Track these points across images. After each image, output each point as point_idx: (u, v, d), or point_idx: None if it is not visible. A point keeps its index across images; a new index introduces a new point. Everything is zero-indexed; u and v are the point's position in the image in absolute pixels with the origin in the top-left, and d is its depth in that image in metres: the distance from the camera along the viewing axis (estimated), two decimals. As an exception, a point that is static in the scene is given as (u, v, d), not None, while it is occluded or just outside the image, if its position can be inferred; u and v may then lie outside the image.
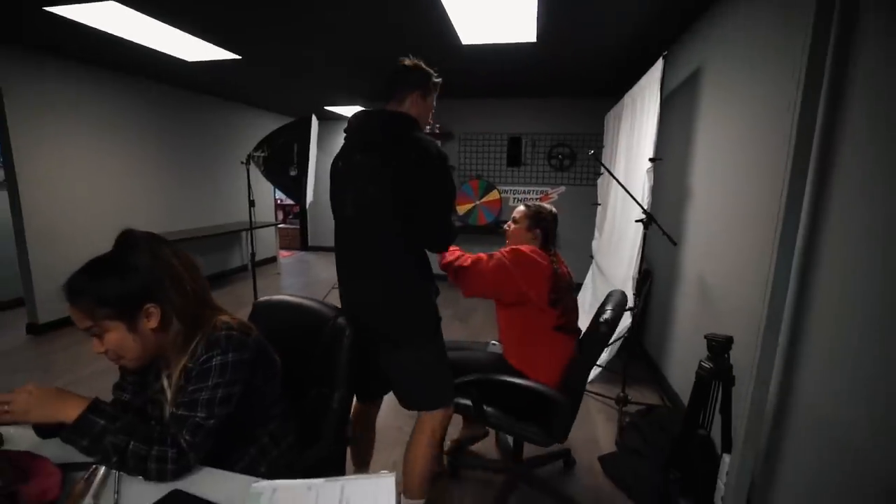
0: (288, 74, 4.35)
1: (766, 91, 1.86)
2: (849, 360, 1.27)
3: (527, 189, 5.54)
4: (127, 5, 2.65)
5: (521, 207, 1.95)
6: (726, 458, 1.82)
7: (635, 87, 3.23)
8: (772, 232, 1.60)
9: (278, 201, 9.21)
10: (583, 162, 5.34)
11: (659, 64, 2.59)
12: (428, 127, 1.76)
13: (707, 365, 1.85)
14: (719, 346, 1.84)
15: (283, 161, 2.81)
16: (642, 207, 2.56)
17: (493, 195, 5.52)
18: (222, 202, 5.79)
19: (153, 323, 0.93)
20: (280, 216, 9.17)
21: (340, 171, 1.54)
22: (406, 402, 1.54)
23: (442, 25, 2.93)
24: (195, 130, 5.29)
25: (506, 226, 1.98)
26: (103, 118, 4.18)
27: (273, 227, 6.57)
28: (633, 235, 2.86)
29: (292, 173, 2.78)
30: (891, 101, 1.17)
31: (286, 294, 1.46)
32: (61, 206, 3.87)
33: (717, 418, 1.86)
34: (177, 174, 5.07)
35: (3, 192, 3.78)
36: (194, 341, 0.93)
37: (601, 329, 1.67)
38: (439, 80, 1.59)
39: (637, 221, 2.64)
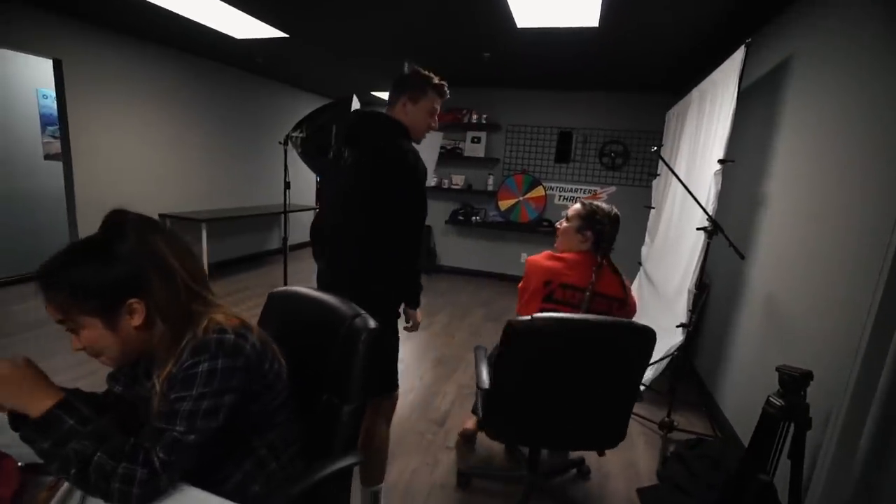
0: (336, 54, 4.27)
1: (873, 85, 1.56)
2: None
3: (574, 187, 5.25)
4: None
5: (577, 205, 1.80)
6: (793, 512, 1.57)
7: (706, 81, 2.91)
8: (872, 250, 1.33)
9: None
10: (637, 161, 4.99)
11: (739, 53, 2.28)
12: (435, 128, 1.69)
13: (777, 401, 1.59)
14: (794, 382, 1.57)
15: (320, 142, 2.70)
16: (708, 214, 2.28)
17: (538, 191, 5.27)
18: (264, 182, 5.83)
19: (136, 321, 0.81)
20: (322, 200, 9.27)
21: (331, 158, 1.72)
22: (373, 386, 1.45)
23: (496, 5, 2.72)
24: (242, 109, 5.34)
25: (558, 223, 1.86)
26: (154, 93, 4.25)
27: (312, 211, 6.59)
28: (692, 244, 2.58)
29: (329, 156, 2.67)
30: None
31: (305, 286, 1.33)
32: (111, 178, 3.97)
33: (784, 463, 1.61)
34: (221, 152, 5.13)
35: (57, 162, 3.91)
36: (183, 341, 0.81)
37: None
38: (440, 83, 1.60)
39: (699, 229, 2.37)
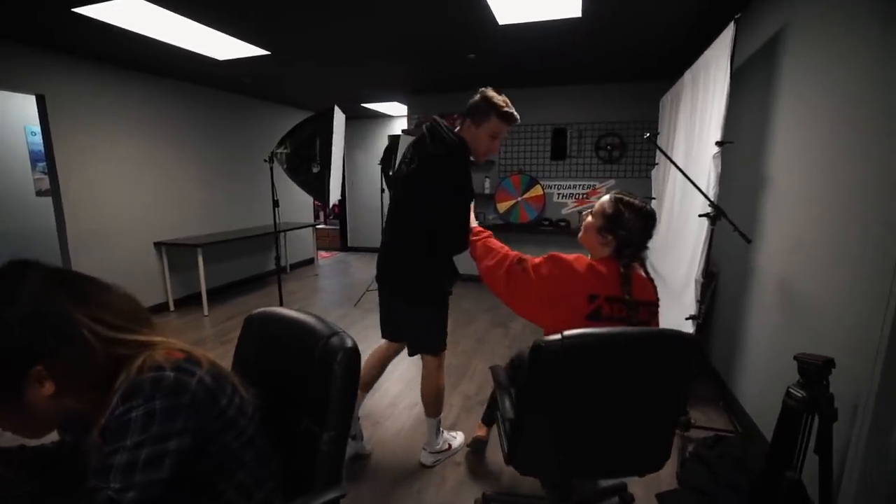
0: (321, 65, 4.23)
1: (875, 53, 1.46)
2: None
3: (573, 183, 5.16)
4: (151, 2, 2.58)
5: (606, 198, 1.51)
6: (825, 510, 1.45)
7: (697, 62, 2.82)
8: (888, 228, 1.23)
9: (336, 200, 9.27)
10: (634, 152, 4.89)
11: (729, 29, 2.19)
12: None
13: (798, 393, 1.48)
14: (815, 371, 1.47)
15: (304, 157, 2.65)
16: (708, 199, 2.18)
17: (536, 191, 5.18)
18: (259, 203, 5.78)
19: (48, 389, 0.71)
20: (321, 217, 9.24)
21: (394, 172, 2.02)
22: (410, 348, 2.03)
23: (475, 4, 2.66)
24: (232, 130, 5.31)
25: (584, 213, 1.72)
26: (141, 121, 4.23)
27: (311, 228, 6.55)
28: (695, 232, 2.48)
29: (315, 170, 2.62)
30: None
31: (283, 307, 1.25)
32: (103, 210, 3.94)
33: (811, 459, 1.50)
34: (214, 175, 5.10)
35: (47, 198, 3.89)
36: (114, 389, 0.72)
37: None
38: (507, 111, 1.72)
39: (701, 216, 2.27)
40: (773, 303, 2.13)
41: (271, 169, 2.81)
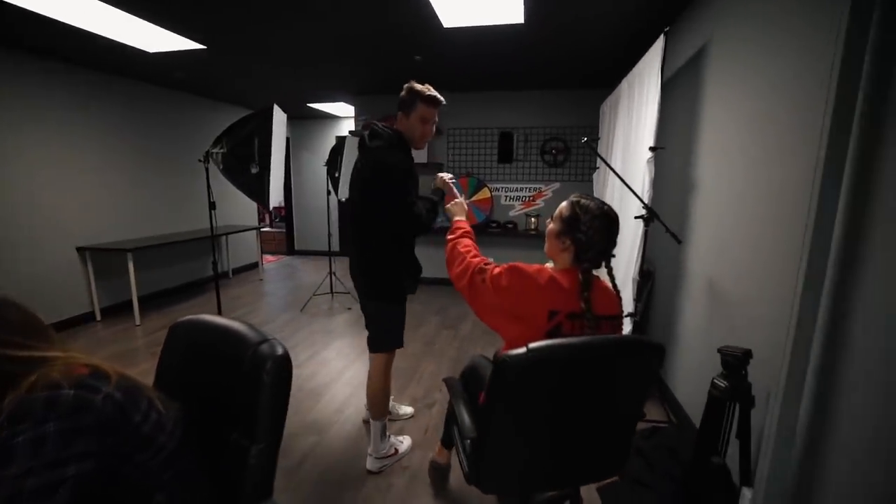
0: (261, 63, 4.08)
1: (789, 64, 1.59)
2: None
3: (520, 186, 5.27)
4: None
5: (565, 203, 1.40)
6: (746, 492, 1.56)
7: (633, 71, 2.96)
8: (798, 228, 1.34)
9: (277, 203, 8.93)
10: (577, 157, 5.07)
11: (659, 42, 2.32)
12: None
13: (721, 383, 1.59)
14: (735, 362, 1.58)
15: (242, 157, 2.53)
16: (642, 202, 2.29)
17: (484, 193, 5.25)
18: (195, 205, 5.47)
19: None
20: (266, 220, 8.91)
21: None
22: (370, 345, 2.05)
23: (420, 6, 2.66)
24: (165, 128, 5.00)
25: (547, 221, 1.50)
26: (64, 116, 3.89)
27: (255, 232, 6.29)
28: (632, 233, 2.60)
29: (253, 170, 2.51)
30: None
31: (219, 314, 1.18)
32: (20, 215, 3.58)
33: (734, 444, 1.61)
34: (146, 175, 4.78)
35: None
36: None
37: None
38: (430, 94, 1.84)
39: (637, 218, 2.38)
40: (702, 300, 2.27)
41: (206, 169, 2.66)
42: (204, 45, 3.33)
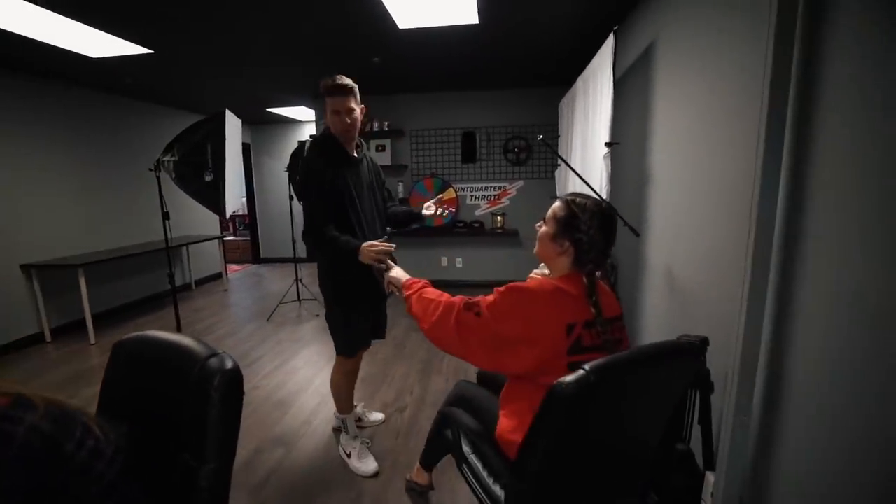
0: (213, 68, 3.95)
1: (731, 59, 1.65)
2: (846, 360, 1.05)
3: (484, 185, 5.30)
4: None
5: (558, 203, 1.30)
6: (710, 475, 1.60)
7: (587, 70, 3.02)
8: (743, 216, 1.39)
9: (235, 211, 8.66)
10: (540, 154, 5.14)
11: (609, 41, 2.38)
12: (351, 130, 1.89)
13: (681, 370, 1.63)
14: (694, 350, 1.62)
15: (195, 165, 2.44)
16: (599, 196, 2.33)
17: (449, 193, 5.25)
18: (152, 216, 5.23)
19: None
20: (230, 228, 8.65)
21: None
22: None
23: (373, 7, 2.63)
24: (113, 136, 4.76)
25: (536, 225, 1.36)
26: (2, 126, 3.66)
27: (217, 241, 6.09)
28: (593, 228, 2.64)
29: (207, 178, 2.42)
30: (874, 61, 0.96)
31: (161, 330, 1.13)
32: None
33: (697, 430, 1.65)
34: (95, 185, 4.54)
35: None
36: None
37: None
38: (327, 83, 1.78)
39: (596, 212, 2.42)
40: (662, 291, 2.33)
41: (158, 178, 2.55)
42: (151, 49, 3.19)
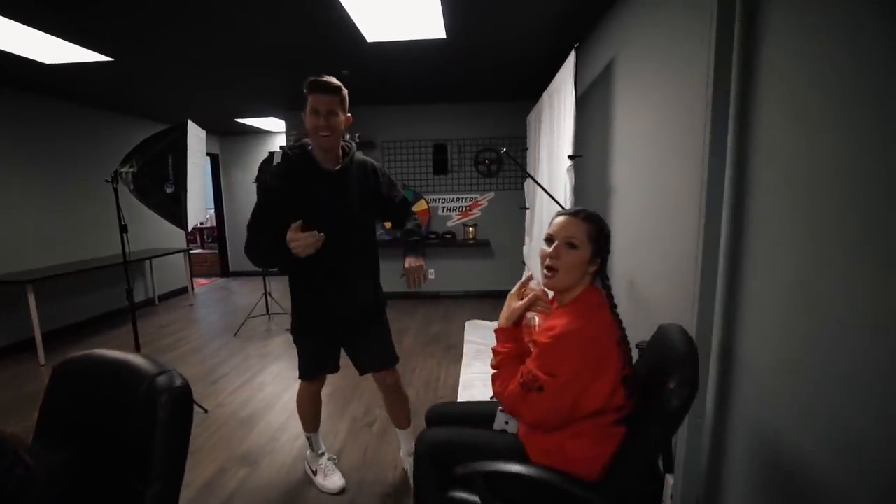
0: (178, 78, 3.88)
1: (680, 80, 1.73)
2: (788, 365, 1.10)
3: (456, 197, 5.34)
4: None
5: (579, 221, 1.19)
6: (669, 478, 1.64)
7: (552, 85, 3.11)
8: (693, 224, 1.45)
9: (199, 224, 8.44)
10: (510, 166, 5.23)
11: (571, 58, 2.45)
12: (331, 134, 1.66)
13: (641, 376, 1.68)
14: (653, 355, 1.67)
15: (155, 177, 2.37)
16: (563, 208, 2.39)
17: (421, 205, 5.27)
18: (111, 229, 5.03)
19: None
20: (198, 240, 8.43)
21: None
22: None
23: (341, 21, 2.64)
24: (70, 146, 4.59)
25: (549, 256, 1.19)
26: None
27: (182, 254, 5.91)
28: (559, 238, 2.70)
29: (168, 190, 2.35)
30: (799, 76, 1.03)
31: (107, 349, 1.09)
32: None
33: (657, 434, 1.69)
34: (47, 198, 4.35)
35: None
36: None
37: (671, 403, 0.97)
38: (313, 77, 1.61)
39: (561, 223, 2.47)
40: (622, 299, 2.39)
41: (115, 190, 2.47)
42: (111, 57, 3.11)
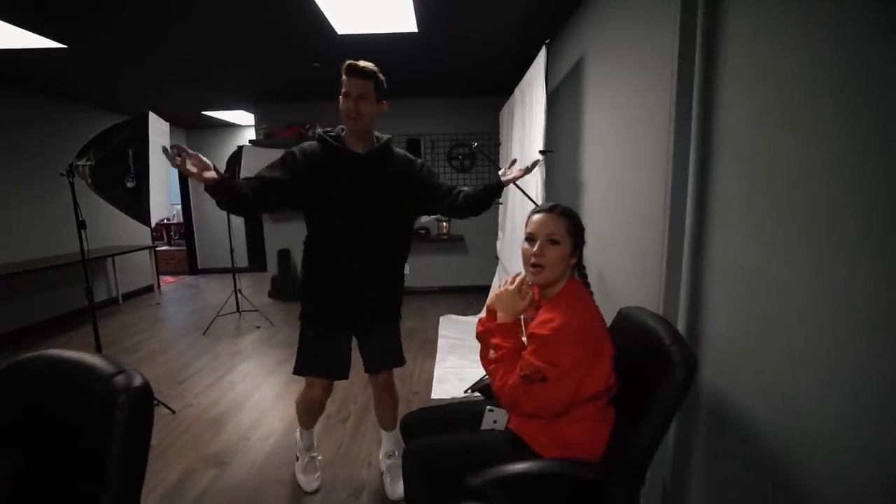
0: (139, 68, 3.73)
1: (648, 75, 1.76)
2: (746, 344, 1.15)
3: (430, 192, 5.33)
4: None
5: (552, 216, 1.23)
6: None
7: (523, 80, 3.13)
8: (659, 219, 1.49)
9: (165, 220, 8.16)
10: (484, 161, 5.25)
11: (542, 54, 2.47)
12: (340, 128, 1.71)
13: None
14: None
15: (115, 170, 2.27)
16: (533, 201, 2.42)
17: (395, 200, 5.23)
18: (68, 225, 4.84)
19: None
20: (164, 237, 8.16)
21: None
22: None
23: (311, 12, 2.59)
24: (21, 137, 4.36)
25: (533, 255, 1.21)
26: None
27: (147, 251, 5.72)
28: (531, 233, 2.73)
29: (129, 184, 2.26)
30: (757, 75, 1.07)
31: (54, 349, 1.04)
32: None
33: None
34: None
35: None
36: None
37: (677, 376, 1.03)
38: (347, 62, 1.58)
39: (533, 218, 2.50)
40: (595, 289, 2.43)
41: (72, 184, 2.35)
42: (63, 44, 2.96)
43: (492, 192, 1.70)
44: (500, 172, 1.74)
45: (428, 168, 1.79)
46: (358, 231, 1.62)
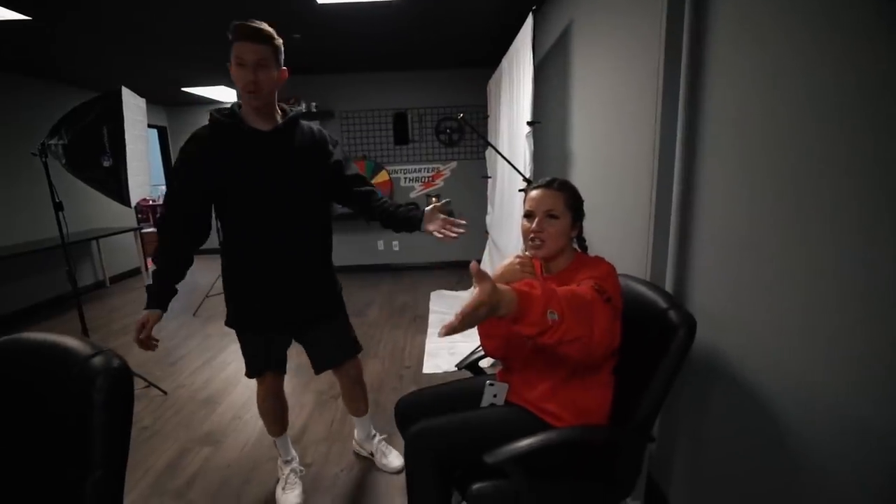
0: (112, 43, 3.57)
1: (636, 41, 1.72)
2: (732, 309, 1.16)
3: (418, 167, 5.26)
4: None
5: (550, 191, 1.20)
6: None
7: (510, 50, 3.05)
8: (649, 191, 1.47)
9: (149, 201, 7.99)
10: (471, 135, 5.17)
11: (528, 21, 2.40)
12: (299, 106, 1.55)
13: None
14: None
15: (90, 149, 2.19)
16: (522, 175, 2.39)
17: (382, 176, 5.16)
18: (46, 208, 4.73)
19: None
20: (151, 219, 8.02)
21: None
22: None
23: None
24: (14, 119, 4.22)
25: (532, 231, 1.18)
26: None
27: (133, 233, 5.61)
28: (519, 204, 2.71)
29: (105, 164, 2.19)
30: (746, 43, 1.04)
31: (28, 332, 1.02)
32: None
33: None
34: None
35: None
36: None
37: (679, 335, 1.06)
38: (235, 24, 1.32)
39: (521, 191, 2.48)
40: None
41: (45, 164, 2.27)
42: (27, 15, 2.81)
43: (406, 225, 1.58)
44: (429, 207, 1.58)
45: (345, 155, 1.63)
46: (271, 220, 1.44)
